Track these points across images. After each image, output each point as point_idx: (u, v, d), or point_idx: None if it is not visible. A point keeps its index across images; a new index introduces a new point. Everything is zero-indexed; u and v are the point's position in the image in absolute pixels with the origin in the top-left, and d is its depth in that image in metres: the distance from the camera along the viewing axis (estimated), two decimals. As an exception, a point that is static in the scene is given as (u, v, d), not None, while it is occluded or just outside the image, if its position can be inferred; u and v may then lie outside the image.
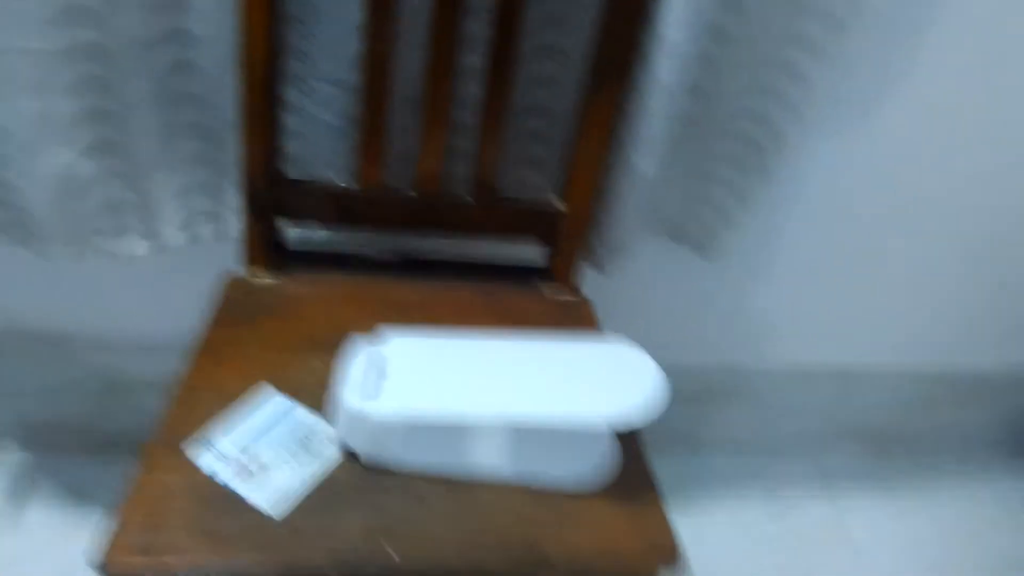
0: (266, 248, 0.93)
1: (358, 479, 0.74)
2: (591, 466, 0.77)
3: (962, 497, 1.48)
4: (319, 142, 0.94)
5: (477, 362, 0.77)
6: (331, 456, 0.75)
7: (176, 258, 1.00)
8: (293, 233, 0.99)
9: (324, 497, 0.72)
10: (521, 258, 1.00)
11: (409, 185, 0.91)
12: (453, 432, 0.73)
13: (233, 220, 0.99)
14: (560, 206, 0.93)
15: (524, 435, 0.75)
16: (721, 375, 1.35)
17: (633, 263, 1.07)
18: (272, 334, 0.87)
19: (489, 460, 0.76)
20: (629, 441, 0.80)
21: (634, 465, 0.78)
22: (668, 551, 0.71)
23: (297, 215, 0.93)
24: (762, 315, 1.29)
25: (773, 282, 1.24)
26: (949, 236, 1.23)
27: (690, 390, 1.35)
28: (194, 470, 0.72)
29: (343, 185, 0.92)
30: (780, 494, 1.42)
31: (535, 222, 0.95)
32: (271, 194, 0.89)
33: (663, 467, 0.82)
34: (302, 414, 0.79)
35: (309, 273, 0.95)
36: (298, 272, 0.95)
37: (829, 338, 1.34)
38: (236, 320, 0.89)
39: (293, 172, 0.92)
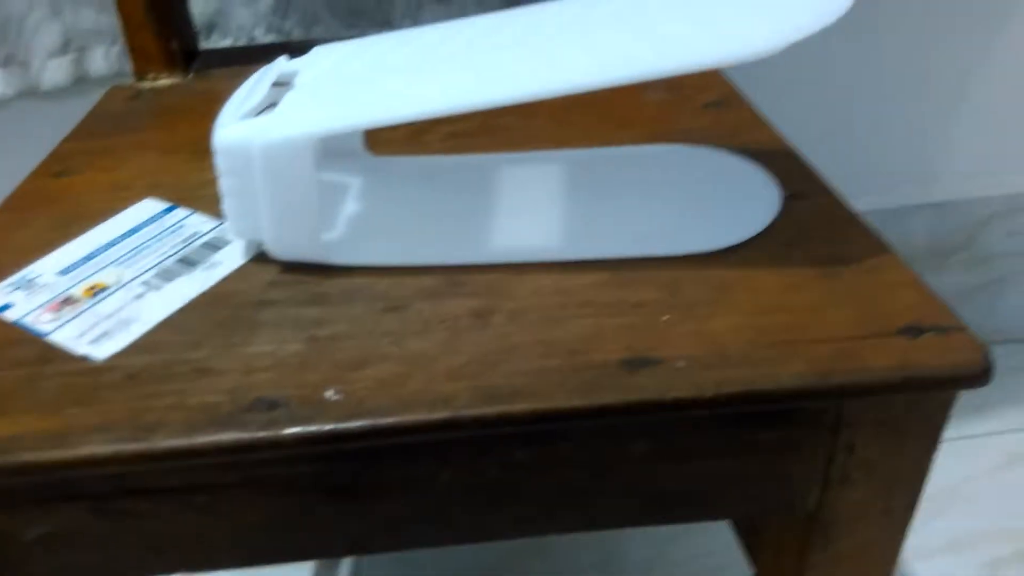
0: (156, 24, 0.60)
1: (272, 288, 0.38)
2: (728, 203, 0.39)
3: None
4: None
5: (479, 38, 0.41)
6: (225, 262, 0.40)
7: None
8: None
9: (205, 322, 0.37)
10: None
11: None
12: (444, 168, 0.37)
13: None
14: None
15: (589, 162, 0.38)
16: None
17: None
18: (162, 139, 0.54)
19: (525, 225, 0.39)
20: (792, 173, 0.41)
21: (812, 195, 0.40)
22: (956, 340, 0.32)
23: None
24: None
25: None
26: None
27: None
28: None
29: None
30: None
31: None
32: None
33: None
34: (183, 215, 0.45)
35: (236, 66, 0.62)
36: (216, 69, 0.62)
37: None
38: (109, 129, 0.56)
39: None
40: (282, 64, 0.41)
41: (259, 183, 0.36)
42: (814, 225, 0.39)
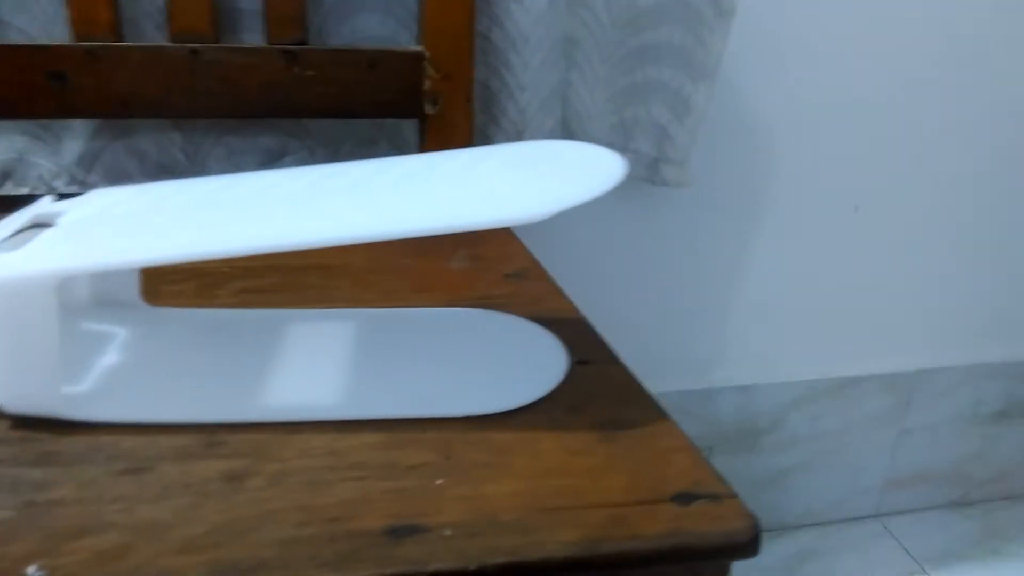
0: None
1: (-5, 447, 0.33)
2: (515, 366, 0.39)
3: None
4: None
5: (263, 189, 0.39)
6: (-55, 417, 0.35)
7: None
8: None
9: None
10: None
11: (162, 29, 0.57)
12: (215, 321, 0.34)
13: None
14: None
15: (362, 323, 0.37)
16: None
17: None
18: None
19: (295, 379, 0.37)
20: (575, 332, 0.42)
21: (599, 362, 0.40)
22: (726, 504, 0.32)
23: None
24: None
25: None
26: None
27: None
28: None
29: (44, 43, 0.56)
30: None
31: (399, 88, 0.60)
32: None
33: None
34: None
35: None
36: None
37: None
38: None
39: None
40: (45, 203, 0.38)
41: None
42: (597, 391, 0.39)
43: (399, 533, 0.29)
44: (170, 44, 0.57)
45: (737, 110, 0.83)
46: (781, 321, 0.97)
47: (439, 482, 0.32)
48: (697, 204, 0.87)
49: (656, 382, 0.99)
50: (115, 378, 0.37)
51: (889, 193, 0.92)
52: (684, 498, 0.32)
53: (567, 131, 0.73)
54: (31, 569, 0.27)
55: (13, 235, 0.36)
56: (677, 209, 0.87)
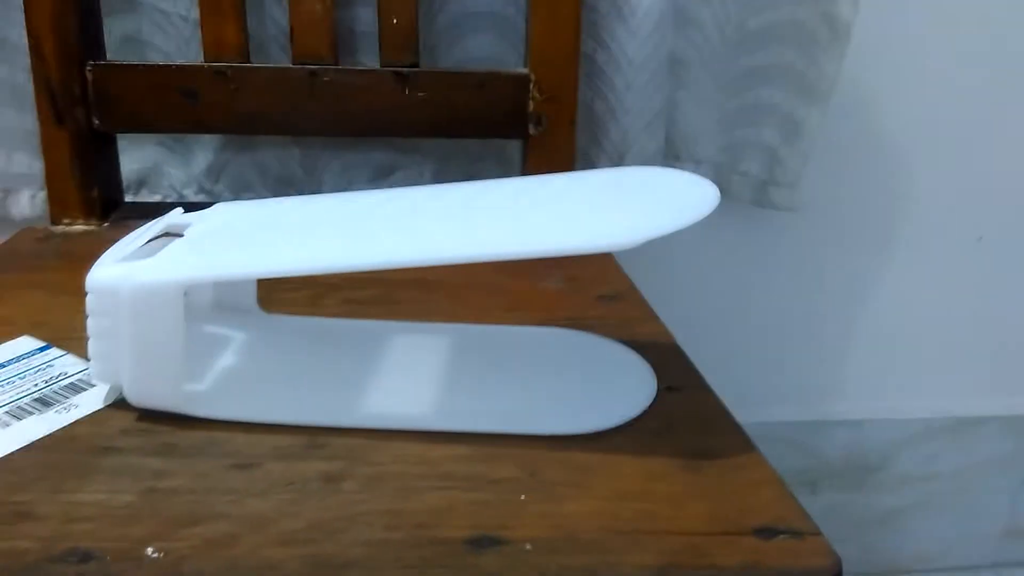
0: (79, 173, 0.61)
1: (122, 436, 0.37)
2: (602, 389, 0.40)
3: None
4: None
5: (375, 207, 0.42)
6: (82, 405, 0.39)
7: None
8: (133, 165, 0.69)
9: (41, 465, 0.34)
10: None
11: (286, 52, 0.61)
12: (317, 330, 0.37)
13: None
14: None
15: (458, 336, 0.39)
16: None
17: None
18: (57, 280, 0.53)
19: (392, 385, 0.39)
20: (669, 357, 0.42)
21: (687, 389, 0.40)
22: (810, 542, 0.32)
23: (121, 120, 0.61)
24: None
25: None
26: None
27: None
28: None
29: (179, 63, 0.61)
30: None
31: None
32: (76, 86, 0.59)
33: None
34: (55, 355, 0.43)
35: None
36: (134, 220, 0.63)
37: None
38: (7, 267, 0.55)
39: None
40: (176, 215, 0.42)
41: (124, 327, 0.36)
42: (684, 418, 0.39)
43: (481, 544, 0.31)
44: (292, 66, 0.61)
45: (854, 132, 0.81)
46: (896, 354, 0.93)
47: (522, 497, 0.33)
48: (809, 229, 0.84)
49: (762, 411, 0.97)
50: (231, 379, 0.40)
51: (1016, 223, 0.87)
52: (766, 532, 0.32)
53: (673, 151, 0.73)
54: (149, 549, 0.30)
55: (146, 243, 0.39)
56: (788, 234, 0.85)
